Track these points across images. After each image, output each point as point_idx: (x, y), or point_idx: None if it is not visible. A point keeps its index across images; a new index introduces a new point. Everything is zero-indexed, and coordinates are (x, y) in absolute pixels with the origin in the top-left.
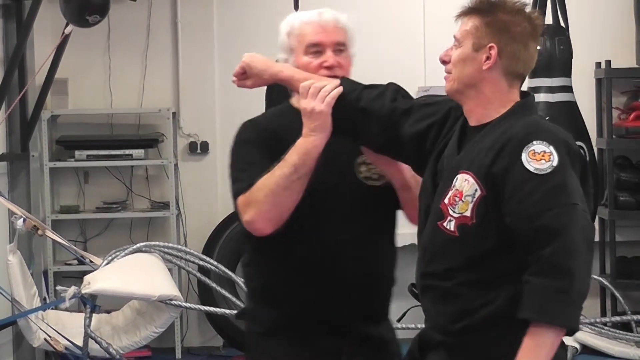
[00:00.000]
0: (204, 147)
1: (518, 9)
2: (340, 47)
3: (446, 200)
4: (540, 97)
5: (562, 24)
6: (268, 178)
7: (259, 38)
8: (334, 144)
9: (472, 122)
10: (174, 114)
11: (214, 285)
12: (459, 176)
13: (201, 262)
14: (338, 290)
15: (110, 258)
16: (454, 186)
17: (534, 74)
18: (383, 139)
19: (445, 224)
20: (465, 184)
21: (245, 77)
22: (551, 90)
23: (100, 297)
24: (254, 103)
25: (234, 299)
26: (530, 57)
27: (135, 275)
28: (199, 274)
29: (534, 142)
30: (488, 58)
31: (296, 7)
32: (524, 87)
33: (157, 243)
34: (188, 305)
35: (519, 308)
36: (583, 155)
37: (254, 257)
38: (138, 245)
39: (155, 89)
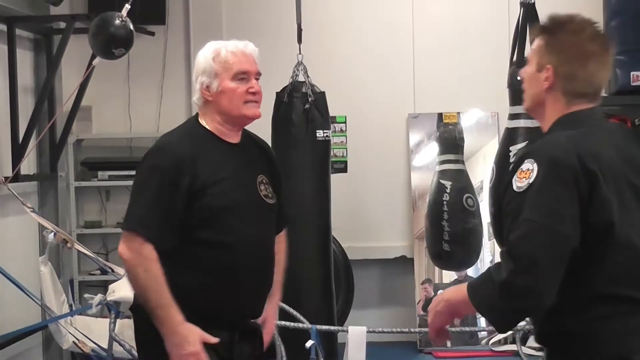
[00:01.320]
0: None
1: (581, 29)
2: (257, 77)
3: None
4: (521, 123)
5: None
6: (150, 281)
7: (267, 69)
8: (242, 163)
9: None
10: None
11: None
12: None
13: None
14: (239, 291)
15: None
16: None
17: (515, 102)
18: None
19: None
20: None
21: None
22: (530, 116)
23: (123, 303)
24: (262, 128)
25: None
26: (591, 75)
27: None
28: None
29: (525, 161)
30: (547, 78)
31: (299, 40)
32: (506, 113)
33: None
34: None
35: None
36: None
37: (163, 261)
38: None
39: (170, 115)
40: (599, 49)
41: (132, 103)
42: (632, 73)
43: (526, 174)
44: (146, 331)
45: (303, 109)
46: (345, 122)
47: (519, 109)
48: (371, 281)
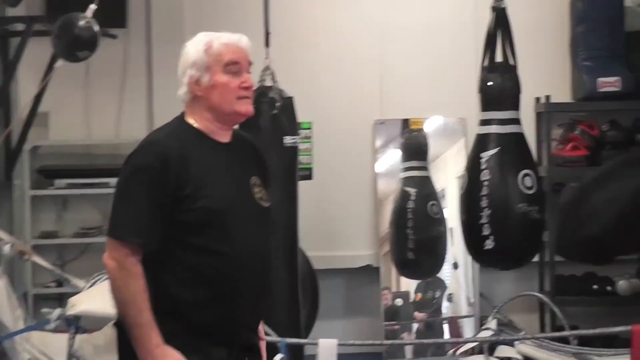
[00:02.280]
0: None
1: None
2: (249, 68)
3: None
4: (492, 129)
5: (511, 61)
6: (131, 297)
7: None
8: (234, 163)
9: None
10: None
11: None
12: None
13: None
14: (237, 303)
15: (93, 281)
16: None
17: (487, 108)
18: None
19: None
20: None
21: None
22: (502, 122)
23: (84, 318)
24: None
25: None
26: None
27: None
28: None
29: None
30: None
31: (267, 44)
32: (473, 119)
33: None
34: None
35: None
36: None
37: (152, 269)
38: None
39: (131, 121)
40: None
41: (90, 109)
42: (598, 79)
43: None
44: (129, 347)
45: (270, 115)
46: (310, 129)
47: (490, 115)
48: (337, 291)
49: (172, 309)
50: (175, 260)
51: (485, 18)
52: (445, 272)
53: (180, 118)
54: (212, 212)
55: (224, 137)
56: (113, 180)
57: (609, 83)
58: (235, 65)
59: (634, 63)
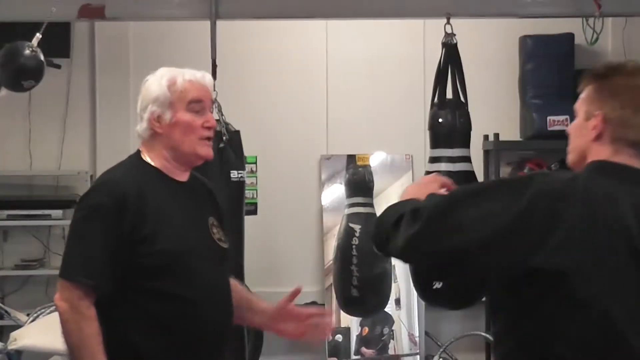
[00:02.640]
0: None
1: (637, 72)
2: (211, 110)
3: None
4: (442, 167)
5: (462, 98)
6: (83, 341)
7: None
8: (191, 203)
9: None
10: (91, 176)
11: None
12: None
13: None
14: (198, 351)
15: (36, 315)
16: None
17: (436, 145)
18: None
19: None
20: None
21: None
22: (452, 160)
23: (26, 353)
24: None
25: None
26: None
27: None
28: None
29: None
30: (595, 127)
31: (214, 77)
32: (420, 155)
33: None
34: None
35: None
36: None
37: (108, 315)
38: None
39: (73, 152)
40: None
41: (32, 139)
42: (548, 117)
43: None
44: None
45: (217, 148)
46: (255, 163)
47: (439, 152)
48: None
49: (128, 357)
50: (132, 306)
51: (434, 55)
52: (389, 309)
53: (136, 155)
54: (171, 254)
55: (181, 176)
56: (55, 212)
57: (558, 122)
58: (198, 104)
59: None
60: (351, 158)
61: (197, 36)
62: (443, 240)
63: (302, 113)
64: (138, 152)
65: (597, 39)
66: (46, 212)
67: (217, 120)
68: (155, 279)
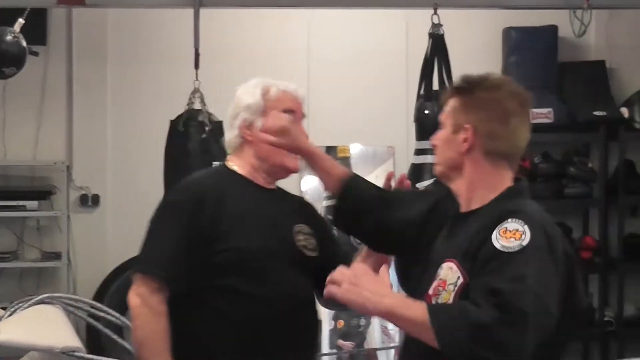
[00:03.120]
0: (95, 200)
1: (498, 85)
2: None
3: (430, 291)
4: (428, 159)
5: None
6: (148, 337)
7: (151, 96)
8: (276, 208)
9: (462, 208)
10: (67, 167)
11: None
12: (444, 265)
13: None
14: (268, 350)
15: (13, 309)
16: (438, 275)
17: (422, 137)
18: (378, 233)
19: None
20: (449, 273)
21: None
22: None
23: (2, 347)
24: (146, 158)
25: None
26: (512, 134)
27: (39, 326)
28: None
29: (509, 220)
30: (465, 140)
31: (197, 66)
32: (412, 148)
33: (60, 295)
34: (91, 356)
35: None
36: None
37: (181, 314)
38: (41, 296)
39: (49, 142)
40: (518, 107)
41: (7, 128)
42: (532, 110)
43: (514, 235)
44: None
45: (200, 139)
46: None
47: (426, 144)
48: None
49: (199, 356)
50: (204, 305)
51: (416, 46)
52: None
53: (222, 165)
54: (243, 252)
55: (269, 184)
56: (30, 203)
57: (542, 114)
58: (291, 115)
59: (566, 94)
60: (332, 149)
61: (177, 25)
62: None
63: None
64: (224, 163)
65: (584, 31)
66: (21, 203)
67: (200, 110)
68: (226, 276)
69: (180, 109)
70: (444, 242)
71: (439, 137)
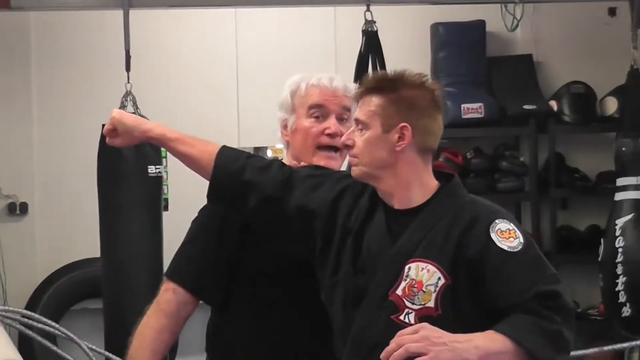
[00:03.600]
0: (23, 208)
1: (420, 82)
2: (345, 114)
3: (399, 292)
4: None
5: None
6: (140, 327)
7: (80, 99)
8: None
9: (397, 205)
10: None
11: (55, 348)
12: (412, 265)
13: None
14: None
15: None
16: (407, 276)
17: None
18: (266, 213)
19: (402, 317)
20: (424, 273)
21: (115, 134)
22: None
23: None
24: (76, 164)
25: None
26: (440, 128)
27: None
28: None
29: (497, 221)
30: (401, 138)
31: (128, 68)
32: None
33: None
34: None
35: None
36: None
37: (224, 326)
38: None
39: None
40: (439, 102)
41: None
42: (462, 105)
43: (510, 234)
44: None
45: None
46: (166, 157)
47: None
48: (195, 327)
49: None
50: (238, 313)
51: (345, 43)
52: None
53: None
54: (280, 260)
55: None
56: None
57: (473, 109)
58: (319, 109)
59: (495, 89)
60: (262, 150)
61: (103, 26)
62: None
63: (213, 104)
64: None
65: (517, 25)
66: None
67: (132, 113)
68: (261, 285)
69: (110, 112)
70: (384, 238)
71: (363, 138)
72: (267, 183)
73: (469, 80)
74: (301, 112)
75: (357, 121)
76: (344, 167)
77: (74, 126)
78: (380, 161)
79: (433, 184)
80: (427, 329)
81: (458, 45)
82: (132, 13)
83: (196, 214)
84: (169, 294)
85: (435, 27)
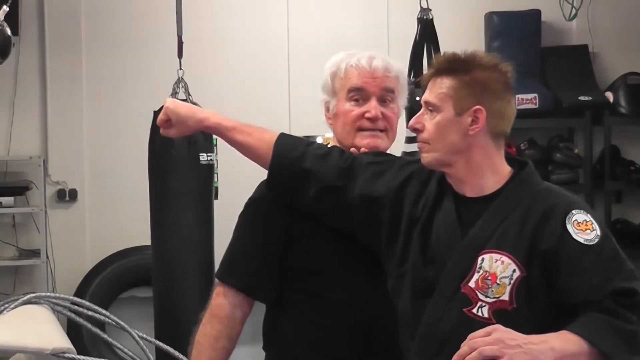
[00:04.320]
0: (73, 195)
1: (494, 64)
2: (388, 96)
3: (472, 284)
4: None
5: None
6: (197, 338)
7: (130, 86)
8: None
9: (469, 193)
10: (44, 161)
11: (104, 335)
12: (486, 256)
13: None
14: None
15: None
16: (480, 267)
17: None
18: (327, 202)
19: (475, 311)
20: (498, 265)
21: (169, 125)
22: None
23: None
24: (125, 150)
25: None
26: (513, 112)
27: (27, 328)
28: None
29: (574, 212)
30: (474, 121)
31: (180, 55)
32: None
33: (47, 294)
34: (82, 357)
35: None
36: None
37: (280, 322)
38: (28, 296)
39: (23, 136)
40: (512, 84)
41: None
42: (517, 96)
43: (587, 226)
44: None
45: None
46: (216, 145)
47: None
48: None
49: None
50: (289, 311)
51: (397, 31)
52: None
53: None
54: (322, 255)
55: None
56: (5, 199)
57: (527, 100)
58: (358, 92)
59: (550, 80)
60: (312, 138)
61: (153, 12)
62: None
63: (265, 91)
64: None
65: (576, 15)
66: None
67: (184, 100)
68: (305, 279)
69: (162, 99)
70: (454, 228)
71: (434, 122)
72: (328, 171)
73: (524, 71)
74: (341, 95)
75: (427, 104)
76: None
77: (125, 113)
78: (452, 146)
79: (506, 170)
80: (500, 330)
81: (513, 34)
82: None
83: (245, 202)
84: (220, 298)
85: (490, 17)
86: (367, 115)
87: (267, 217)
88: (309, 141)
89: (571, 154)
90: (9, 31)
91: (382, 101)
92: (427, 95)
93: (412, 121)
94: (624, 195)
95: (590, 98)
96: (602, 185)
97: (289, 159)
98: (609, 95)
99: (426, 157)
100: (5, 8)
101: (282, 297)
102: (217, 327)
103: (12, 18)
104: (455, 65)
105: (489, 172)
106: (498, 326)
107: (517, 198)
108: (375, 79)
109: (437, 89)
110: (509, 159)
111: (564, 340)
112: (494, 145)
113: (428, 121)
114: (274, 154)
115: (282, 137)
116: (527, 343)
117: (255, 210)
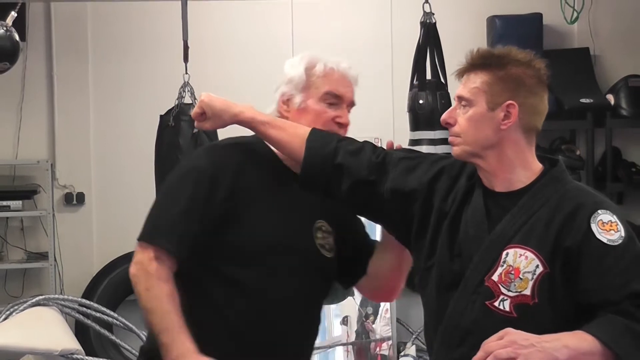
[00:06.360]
0: (80, 198)
1: (528, 60)
2: (350, 107)
3: (495, 277)
4: (423, 149)
5: (442, 80)
6: (152, 302)
7: (136, 90)
8: (300, 198)
9: (498, 188)
10: (51, 165)
11: (119, 341)
12: (510, 251)
13: (105, 317)
14: (267, 348)
15: (8, 313)
16: (504, 262)
17: (417, 127)
18: (360, 196)
19: (497, 304)
20: (521, 260)
21: (204, 118)
22: (433, 142)
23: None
24: (132, 154)
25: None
26: (545, 108)
27: (36, 329)
28: (101, 328)
29: (600, 212)
30: (507, 116)
31: (186, 59)
32: (398, 139)
33: (55, 296)
34: (90, 358)
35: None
36: None
37: (188, 305)
38: (37, 298)
39: (30, 141)
40: (546, 81)
41: None
42: None
43: (612, 227)
44: None
45: (191, 133)
46: None
47: (420, 135)
48: None
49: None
50: (198, 287)
51: (401, 36)
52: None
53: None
54: (253, 243)
55: (299, 169)
56: (13, 203)
57: None
58: (335, 98)
59: (552, 82)
60: None
61: (159, 16)
62: None
63: (269, 95)
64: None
65: (577, 18)
66: (4, 203)
67: (191, 105)
68: (232, 265)
69: (168, 103)
70: (482, 222)
71: (467, 116)
72: (360, 166)
73: None
74: (314, 93)
75: (461, 98)
76: None
77: (131, 117)
78: (485, 140)
79: (537, 166)
80: (512, 333)
81: (514, 38)
82: (190, 3)
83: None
84: (156, 262)
85: (492, 20)
86: (339, 120)
87: (211, 187)
88: (340, 137)
89: (573, 156)
90: (17, 37)
91: (347, 109)
92: (461, 90)
93: (444, 115)
94: (626, 197)
95: (592, 100)
96: (604, 187)
97: (322, 155)
98: (611, 98)
99: (456, 150)
100: (13, 14)
101: (201, 281)
102: (164, 286)
103: (19, 24)
104: (490, 61)
105: (519, 167)
106: (509, 329)
107: (546, 195)
108: (349, 87)
109: (471, 84)
110: (540, 157)
111: (578, 339)
112: (525, 141)
113: (460, 116)
114: (307, 150)
115: (314, 132)
116: (540, 342)
117: (194, 178)
